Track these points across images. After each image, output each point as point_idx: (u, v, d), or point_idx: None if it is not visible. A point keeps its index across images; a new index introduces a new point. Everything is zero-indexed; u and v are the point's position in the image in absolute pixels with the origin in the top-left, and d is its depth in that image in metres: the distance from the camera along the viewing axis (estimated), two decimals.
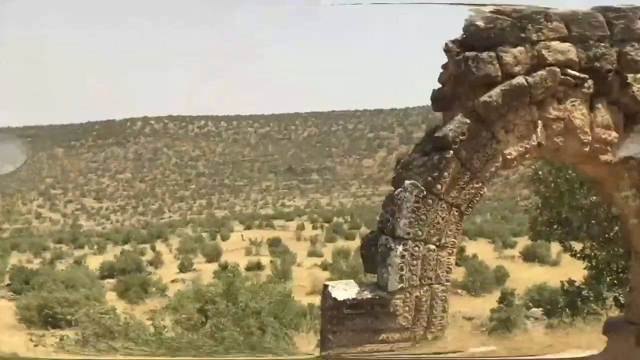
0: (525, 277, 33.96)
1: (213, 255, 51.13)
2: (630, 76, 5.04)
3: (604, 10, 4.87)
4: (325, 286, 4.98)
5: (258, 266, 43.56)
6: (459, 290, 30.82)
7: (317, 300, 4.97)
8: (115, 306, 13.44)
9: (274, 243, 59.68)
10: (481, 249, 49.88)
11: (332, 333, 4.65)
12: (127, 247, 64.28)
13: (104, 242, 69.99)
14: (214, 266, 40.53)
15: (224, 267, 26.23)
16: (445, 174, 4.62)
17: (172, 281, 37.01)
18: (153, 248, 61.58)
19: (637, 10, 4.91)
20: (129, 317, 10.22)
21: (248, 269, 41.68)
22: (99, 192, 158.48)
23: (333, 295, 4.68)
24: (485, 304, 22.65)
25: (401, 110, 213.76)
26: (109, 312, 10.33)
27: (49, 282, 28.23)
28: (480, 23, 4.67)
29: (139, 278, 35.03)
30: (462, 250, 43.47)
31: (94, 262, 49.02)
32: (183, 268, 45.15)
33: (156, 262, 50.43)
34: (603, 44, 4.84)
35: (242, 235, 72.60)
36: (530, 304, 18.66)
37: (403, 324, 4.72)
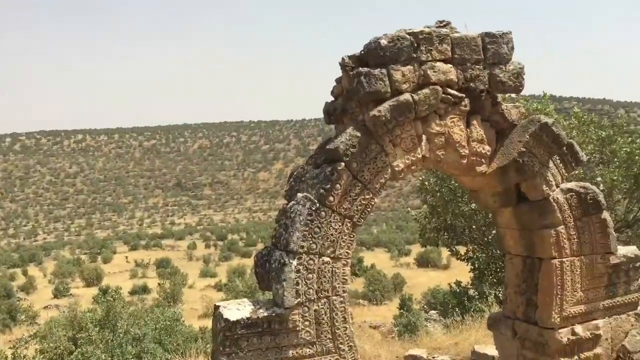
0: (420, 282, 35.86)
1: (92, 279, 48.12)
2: (499, 96, 5.52)
3: (484, 35, 5.29)
4: (217, 307, 4.79)
5: (144, 289, 41.64)
6: (361, 301, 31.68)
7: (210, 323, 4.78)
8: None
9: (162, 264, 57.33)
10: (378, 259, 51.86)
11: (226, 356, 4.46)
12: None
13: None
14: (93, 290, 38.13)
15: (105, 291, 24.86)
16: (337, 185, 4.67)
17: (45, 307, 34.60)
18: (25, 272, 56.81)
19: (504, 35, 5.39)
20: None
21: (132, 292, 39.70)
22: None
23: (225, 316, 4.50)
24: (387, 312, 23.51)
25: (297, 122, 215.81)
26: None
27: None
28: (384, 41, 4.85)
29: (7, 305, 32.20)
30: (360, 261, 44.84)
31: None
32: (58, 293, 42.16)
33: (28, 288, 46.55)
34: (478, 67, 5.23)
35: (126, 257, 69.18)
36: (426, 307, 19.78)
37: (307, 338, 4.68)
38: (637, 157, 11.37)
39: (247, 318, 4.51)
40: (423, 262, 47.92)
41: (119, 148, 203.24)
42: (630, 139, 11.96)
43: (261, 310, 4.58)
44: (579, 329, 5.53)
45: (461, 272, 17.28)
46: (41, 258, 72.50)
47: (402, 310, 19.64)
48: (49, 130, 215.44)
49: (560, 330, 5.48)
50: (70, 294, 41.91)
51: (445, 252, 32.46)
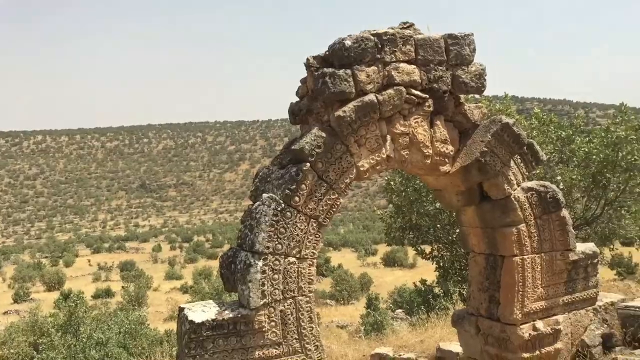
0: (387, 281, 36.18)
1: (54, 283, 46.86)
2: (462, 96, 5.60)
3: (447, 37, 5.35)
4: (181, 309, 4.73)
5: (107, 293, 40.84)
6: (328, 301, 31.71)
7: (175, 326, 4.72)
8: None
9: (127, 267, 56.29)
10: (345, 259, 52.05)
11: (191, 358, 4.41)
12: None
13: None
14: (55, 295, 37.16)
15: (67, 295, 24.27)
16: (303, 186, 4.67)
17: (5, 313, 33.61)
18: None
19: (466, 37, 5.46)
20: None
21: (96, 296, 38.87)
22: None
23: (190, 318, 4.45)
24: (354, 312, 23.59)
25: (264, 122, 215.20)
26: None
27: None
28: (348, 42, 4.87)
29: None
30: (327, 261, 44.81)
31: None
32: (18, 298, 40.90)
33: None
34: (441, 68, 5.29)
35: (88, 260, 67.73)
36: (392, 306, 19.97)
37: (273, 339, 4.66)
38: (594, 157, 11.72)
39: (213, 320, 4.46)
40: (389, 261, 48.38)
41: (81, 149, 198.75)
42: (587, 138, 12.32)
43: (227, 312, 4.54)
44: (539, 324, 5.66)
45: (427, 271, 17.49)
46: (0, 262, 70.23)
47: (368, 310, 19.78)
48: (7, 131, 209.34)
49: (521, 326, 5.60)
50: (31, 299, 40.72)
51: (411, 252, 32.83)
